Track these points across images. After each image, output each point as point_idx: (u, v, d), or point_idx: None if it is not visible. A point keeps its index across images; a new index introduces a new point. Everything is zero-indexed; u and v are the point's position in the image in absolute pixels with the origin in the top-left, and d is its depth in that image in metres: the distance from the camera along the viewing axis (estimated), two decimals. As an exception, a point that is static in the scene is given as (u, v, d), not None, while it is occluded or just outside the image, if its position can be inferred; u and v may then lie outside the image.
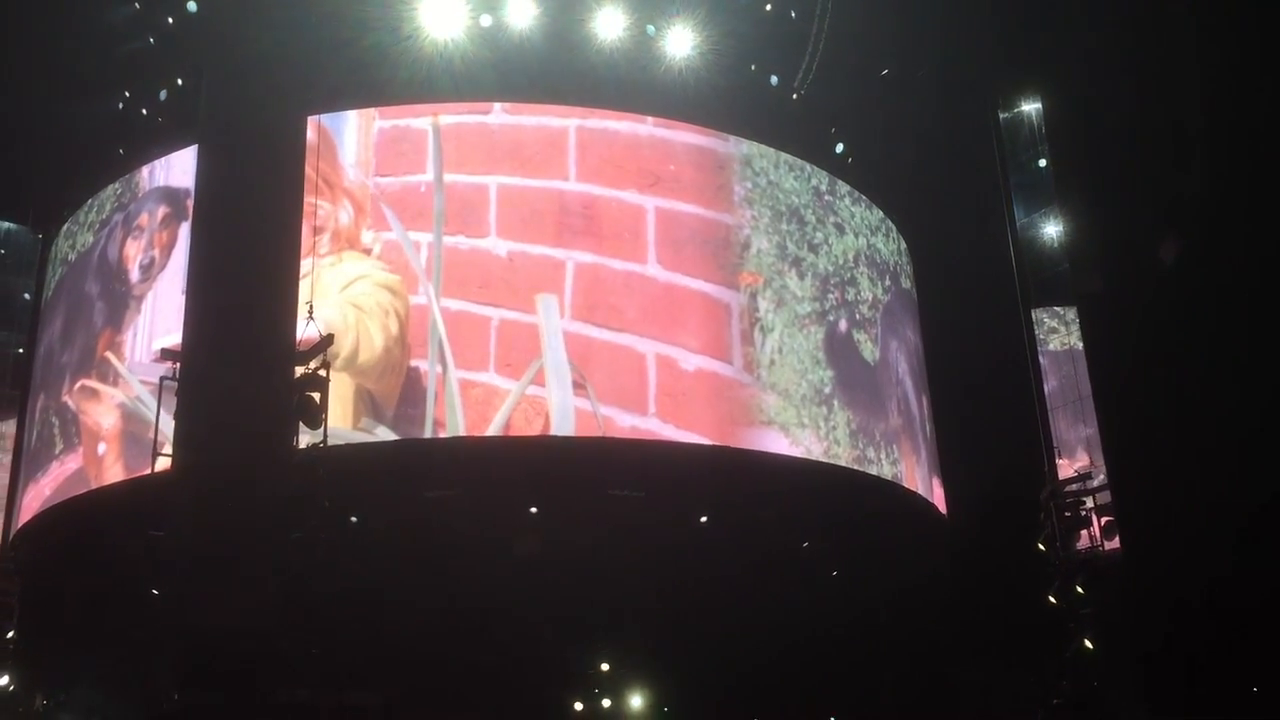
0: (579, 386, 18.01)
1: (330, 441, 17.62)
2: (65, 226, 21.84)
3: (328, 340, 12.65)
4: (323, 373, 12.40)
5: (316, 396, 12.23)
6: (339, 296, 18.38)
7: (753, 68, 21.84)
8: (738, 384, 18.95)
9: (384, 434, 17.78)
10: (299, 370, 12.30)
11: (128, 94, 21.60)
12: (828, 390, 19.92)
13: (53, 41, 20.72)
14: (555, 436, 17.75)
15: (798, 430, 19.21)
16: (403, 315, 18.24)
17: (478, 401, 17.85)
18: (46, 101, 21.41)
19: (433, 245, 18.57)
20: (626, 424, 18.04)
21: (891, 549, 21.77)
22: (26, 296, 23.95)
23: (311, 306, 13.18)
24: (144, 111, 21.38)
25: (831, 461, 19.58)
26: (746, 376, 19.04)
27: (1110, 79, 19.56)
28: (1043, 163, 23.81)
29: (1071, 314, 25.12)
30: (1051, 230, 24.11)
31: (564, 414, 17.89)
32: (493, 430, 17.77)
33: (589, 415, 17.96)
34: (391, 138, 19.18)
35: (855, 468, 19.98)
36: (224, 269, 11.92)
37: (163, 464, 12.73)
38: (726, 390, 18.84)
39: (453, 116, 19.27)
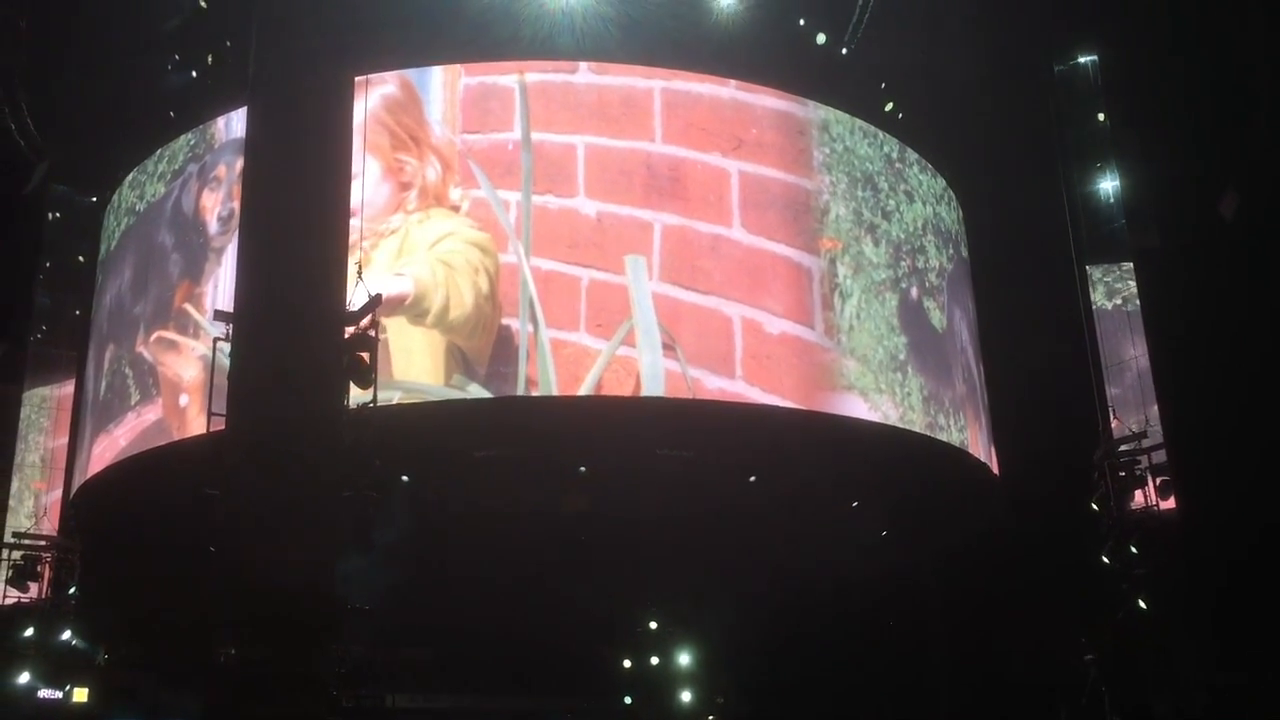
0: (668, 348, 18.15)
1: (423, 399, 17.89)
2: (130, 176, 21.61)
3: (376, 300, 12.74)
4: (372, 332, 12.52)
5: (366, 356, 12.36)
6: (428, 253, 18.37)
7: (801, 22, 21.64)
8: (819, 348, 19.16)
9: (476, 391, 17.85)
10: (349, 330, 12.43)
11: (178, 56, 21.36)
12: (902, 357, 20.19)
13: (102, 7, 20.47)
14: (649, 397, 17.89)
15: (876, 396, 19.47)
16: (493, 273, 18.26)
17: (569, 361, 17.95)
18: (99, 67, 21.19)
19: (521, 204, 18.56)
20: (714, 386, 18.21)
21: (952, 513, 22.16)
22: (81, 259, 23.81)
23: (361, 266, 13.28)
24: (194, 74, 21.14)
25: (907, 428, 19.87)
26: (828, 341, 19.26)
27: (1170, 29, 19.65)
28: (1101, 117, 23.80)
29: (1098, 273, 25.31)
30: (1106, 186, 24.01)
31: (655, 375, 18.03)
32: (584, 390, 17.89)
33: (679, 376, 18.11)
34: (478, 95, 19.10)
35: (928, 434, 20.29)
36: (273, 230, 11.99)
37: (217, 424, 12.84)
38: (809, 354, 19.05)
39: (539, 74, 19.21)
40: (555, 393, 17.84)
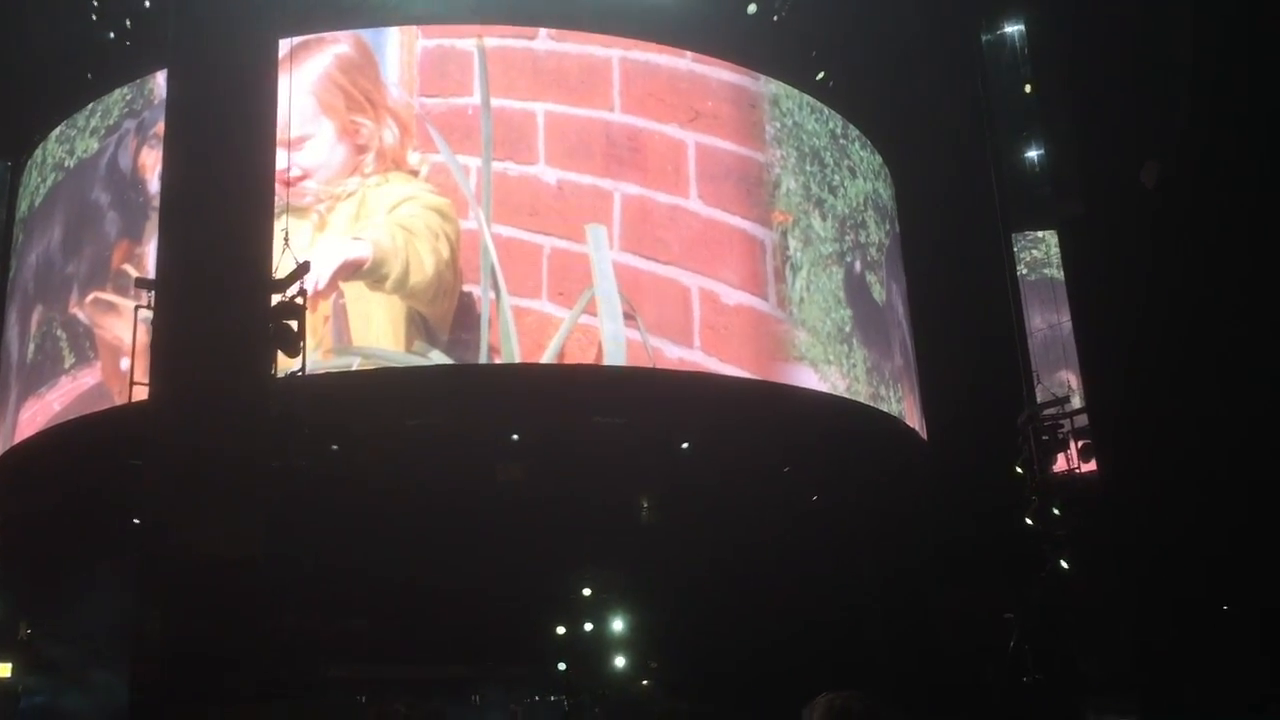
0: (629, 317, 18.26)
1: (382, 365, 17.66)
2: (58, 130, 20.62)
3: (304, 268, 12.55)
4: (300, 300, 12.37)
5: (294, 324, 12.20)
6: (386, 218, 18.07)
7: None
8: (773, 319, 19.51)
9: (438, 358, 17.69)
10: (275, 298, 12.25)
11: (95, 17, 20.53)
12: (848, 329, 20.68)
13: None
14: (614, 366, 17.98)
15: (825, 367, 19.93)
16: (453, 239, 18.07)
17: (532, 328, 17.92)
18: (12, 27, 20.22)
19: (481, 170, 18.40)
20: (674, 355, 18.40)
21: (881, 479, 22.77)
22: None
23: (287, 234, 13.10)
24: (111, 35, 20.34)
25: (853, 398, 20.39)
26: (780, 313, 19.61)
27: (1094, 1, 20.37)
28: (1027, 87, 24.34)
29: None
30: (1031, 154, 24.61)
31: (616, 344, 18.13)
32: (547, 358, 17.89)
33: (639, 346, 18.24)
34: (436, 58, 18.81)
35: (872, 404, 20.86)
36: (196, 196, 11.71)
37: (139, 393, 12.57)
38: (763, 325, 19.38)
39: (498, 39, 19.01)
40: (518, 360, 17.80)
